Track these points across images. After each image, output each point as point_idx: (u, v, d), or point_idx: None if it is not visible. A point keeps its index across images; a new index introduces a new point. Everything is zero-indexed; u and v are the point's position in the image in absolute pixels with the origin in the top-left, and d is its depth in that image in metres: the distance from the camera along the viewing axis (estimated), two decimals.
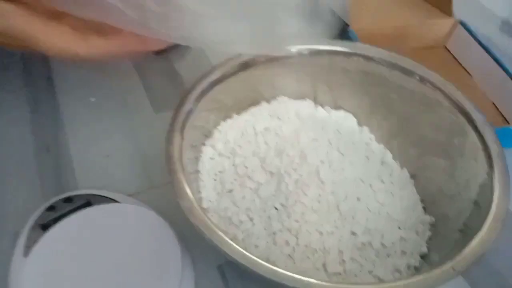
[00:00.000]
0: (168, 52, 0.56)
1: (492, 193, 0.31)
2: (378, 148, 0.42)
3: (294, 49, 0.41)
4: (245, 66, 0.40)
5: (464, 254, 0.27)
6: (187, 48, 0.57)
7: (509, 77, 0.48)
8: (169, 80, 0.53)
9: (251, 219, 0.35)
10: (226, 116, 0.42)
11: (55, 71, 0.54)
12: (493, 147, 0.34)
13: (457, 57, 0.56)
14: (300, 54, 0.41)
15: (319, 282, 0.26)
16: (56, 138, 0.47)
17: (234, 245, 0.27)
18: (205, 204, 0.36)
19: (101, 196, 0.39)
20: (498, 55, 0.50)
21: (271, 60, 0.41)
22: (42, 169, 0.44)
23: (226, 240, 0.27)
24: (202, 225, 0.28)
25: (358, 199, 0.36)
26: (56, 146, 0.46)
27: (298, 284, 0.26)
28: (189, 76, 0.54)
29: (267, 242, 0.34)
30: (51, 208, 0.38)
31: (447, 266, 0.27)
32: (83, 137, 0.47)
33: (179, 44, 0.56)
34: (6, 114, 0.48)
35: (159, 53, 0.55)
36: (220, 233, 0.28)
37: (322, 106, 0.44)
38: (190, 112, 0.36)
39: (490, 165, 0.33)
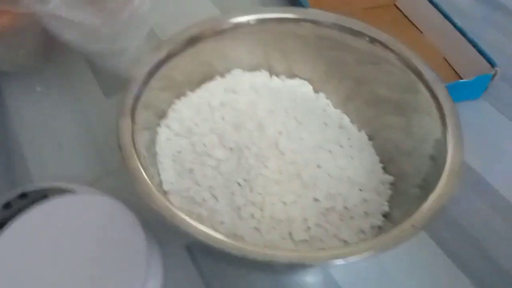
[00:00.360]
0: None
1: (446, 148, 0.32)
2: (335, 113, 0.42)
3: (241, 19, 0.40)
4: (194, 40, 0.39)
5: (422, 211, 0.28)
6: None
7: (458, 31, 0.49)
8: (117, 62, 0.51)
9: (214, 197, 0.35)
10: (180, 94, 0.41)
11: None
12: (446, 103, 0.34)
13: (407, 15, 0.56)
14: (248, 24, 0.40)
15: (282, 253, 0.26)
16: (4, 132, 0.44)
17: (195, 224, 0.27)
18: (166, 186, 0.35)
19: (57, 188, 0.38)
20: (446, 10, 0.51)
21: (221, 32, 0.40)
22: None
23: (188, 221, 0.27)
24: (161, 209, 0.27)
25: (318, 166, 0.36)
26: (5, 140, 0.44)
27: (263, 257, 0.26)
28: (138, 53, 0.52)
29: (232, 218, 0.34)
30: (6, 205, 0.36)
31: (407, 224, 0.28)
32: (33, 128, 0.45)
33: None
34: None
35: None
36: (181, 215, 0.27)
37: (277, 75, 0.44)
38: (140, 93, 0.35)
39: (443, 121, 0.34)
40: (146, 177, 0.29)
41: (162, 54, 0.37)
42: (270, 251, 0.26)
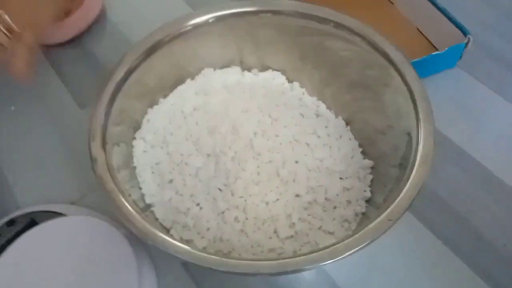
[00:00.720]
0: (81, 38, 0.53)
1: (418, 131, 0.32)
2: (311, 100, 0.42)
3: (205, 17, 0.39)
4: (160, 44, 0.38)
5: (397, 203, 0.29)
6: (101, 29, 0.54)
7: (429, 1, 0.48)
8: (88, 69, 0.50)
9: (197, 204, 0.35)
10: (153, 102, 0.40)
11: None
12: (413, 84, 0.34)
13: None
14: (214, 22, 0.39)
15: (266, 262, 0.27)
16: None
17: (177, 244, 0.27)
18: (148, 199, 0.36)
19: (44, 211, 0.38)
20: None
21: (186, 32, 0.39)
22: None
23: (169, 241, 0.27)
24: (142, 233, 0.28)
25: (296, 161, 0.36)
26: None
27: (247, 269, 0.26)
28: (108, 59, 0.51)
29: (217, 223, 0.35)
30: None
31: (382, 217, 0.28)
32: (12, 150, 0.45)
33: (91, 26, 0.53)
34: None
35: (71, 41, 0.52)
36: (162, 235, 0.28)
37: (250, 70, 0.43)
38: (109, 110, 0.34)
39: (414, 101, 0.34)
40: (122, 199, 0.29)
41: (129, 62, 0.37)
42: (253, 262, 0.27)
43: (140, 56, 0.38)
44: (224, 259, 0.27)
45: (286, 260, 0.27)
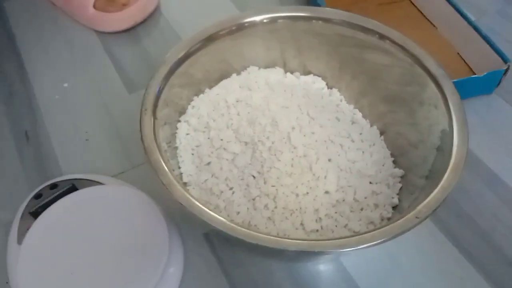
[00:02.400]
0: (136, 29, 0.56)
1: (452, 141, 0.33)
2: (348, 108, 0.43)
3: (256, 18, 0.41)
4: (211, 39, 0.41)
5: (426, 203, 0.30)
6: (155, 23, 0.58)
7: (472, 26, 0.49)
8: (139, 58, 0.54)
9: (230, 188, 0.37)
10: (198, 91, 0.43)
11: (26, 59, 0.53)
12: (451, 97, 0.35)
13: (421, 10, 0.57)
14: (262, 23, 0.41)
15: (294, 240, 0.28)
16: (34, 127, 0.47)
17: (212, 214, 0.29)
18: (185, 179, 0.38)
19: (85, 179, 0.41)
20: (460, 5, 0.51)
21: (237, 31, 0.42)
22: (24, 159, 0.45)
23: (205, 211, 0.29)
24: (181, 199, 0.29)
25: (330, 159, 0.38)
26: (35, 135, 0.47)
27: (275, 244, 0.28)
28: (158, 52, 0.54)
29: (247, 208, 0.36)
30: (38, 196, 0.39)
31: (412, 215, 0.29)
32: (61, 123, 0.48)
33: (146, 20, 0.57)
34: None
35: (126, 31, 0.56)
36: (199, 204, 0.29)
37: (292, 72, 0.45)
38: (160, 91, 0.37)
39: (449, 115, 0.35)
40: (167, 169, 0.31)
41: (181, 53, 0.39)
42: (282, 239, 0.28)
43: (191, 48, 0.40)
44: (255, 232, 0.28)
45: (314, 241, 0.28)
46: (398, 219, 0.29)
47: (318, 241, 0.28)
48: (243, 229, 0.28)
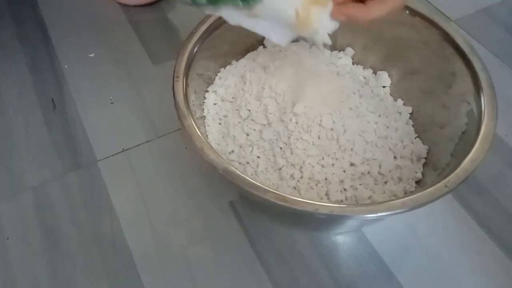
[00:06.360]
0: (160, 3, 0.56)
1: (481, 117, 0.34)
2: (375, 84, 0.44)
3: None
4: None
5: (456, 173, 0.30)
6: None
7: None
8: (163, 31, 0.54)
9: (257, 158, 0.38)
10: (225, 63, 0.43)
11: (51, 29, 0.54)
12: (481, 73, 0.35)
13: None
14: None
15: (326, 204, 0.28)
16: (60, 95, 0.48)
17: (245, 176, 0.29)
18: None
19: None
20: None
21: None
22: (51, 126, 0.45)
23: (239, 174, 0.29)
24: (215, 161, 0.30)
25: (356, 132, 0.38)
26: (61, 103, 0.47)
27: (308, 207, 0.28)
28: (182, 25, 0.55)
29: (273, 178, 0.37)
30: None
31: (440, 184, 0.29)
32: (86, 93, 0.48)
33: None
34: (6, 75, 0.49)
35: (150, 4, 0.56)
36: (233, 168, 0.30)
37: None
38: (191, 60, 0.37)
39: (478, 91, 0.35)
40: (199, 133, 0.32)
41: (209, 24, 0.40)
42: (314, 202, 0.28)
43: (219, 20, 0.40)
44: (283, 194, 0.28)
45: (345, 206, 0.28)
46: (427, 188, 0.30)
47: (349, 206, 0.29)
48: (274, 191, 0.28)
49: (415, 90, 0.42)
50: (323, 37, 0.31)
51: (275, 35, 0.32)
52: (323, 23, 0.30)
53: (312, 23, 0.29)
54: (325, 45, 0.32)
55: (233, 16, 0.31)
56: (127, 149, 0.43)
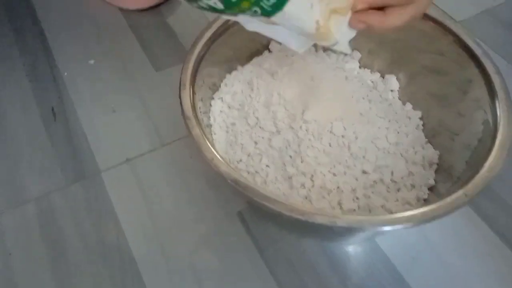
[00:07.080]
0: (160, 7, 0.55)
1: (496, 123, 0.33)
2: (383, 88, 0.43)
3: None
4: None
5: (474, 181, 0.29)
6: (179, 2, 0.57)
7: None
8: (164, 36, 0.53)
9: (266, 167, 0.37)
10: (229, 68, 0.42)
11: (49, 35, 0.53)
12: (495, 77, 0.35)
13: None
14: None
15: (344, 216, 0.27)
16: (62, 104, 0.46)
17: (257, 188, 0.28)
18: None
19: None
20: None
21: None
22: (52, 135, 0.44)
23: (248, 185, 0.28)
24: (226, 173, 0.29)
25: (367, 139, 0.37)
26: (63, 113, 0.46)
27: (326, 220, 0.27)
28: (182, 29, 0.53)
29: (284, 187, 0.36)
30: None
31: (459, 193, 0.29)
32: (87, 101, 0.47)
33: None
34: (6, 84, 0.48)
35: (150, 9, 0.55)
36: (243, 179, 0.29)
37: (324, 51, 0.44)
38: (196, 67, 0.36)
39: (493, 96, 0.34)
40: (209, 144, 0.31)
41: (211, 31, 0.39)
42: (330, 214, 0.27)
43: (223, 26, 0.39)
44: (297, 207, 0.27)
45: (363, 217, 0.27)
46: (445, 197, 0.29)
47: (368, 216, 0.28)
48: (288, 202, 0.27)
49: (423, 93, 0.41)
50: (343, 46, 0.30)
51: (294, 42, 0.31)
52: (342, 33, 0.29)
53: (333, 34, 0.28)
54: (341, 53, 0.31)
55: (251, 23, 0.30)
56: (131, 159, 0.42)
